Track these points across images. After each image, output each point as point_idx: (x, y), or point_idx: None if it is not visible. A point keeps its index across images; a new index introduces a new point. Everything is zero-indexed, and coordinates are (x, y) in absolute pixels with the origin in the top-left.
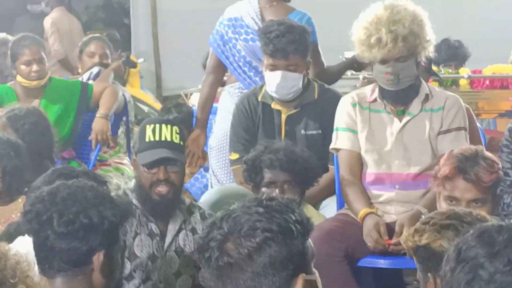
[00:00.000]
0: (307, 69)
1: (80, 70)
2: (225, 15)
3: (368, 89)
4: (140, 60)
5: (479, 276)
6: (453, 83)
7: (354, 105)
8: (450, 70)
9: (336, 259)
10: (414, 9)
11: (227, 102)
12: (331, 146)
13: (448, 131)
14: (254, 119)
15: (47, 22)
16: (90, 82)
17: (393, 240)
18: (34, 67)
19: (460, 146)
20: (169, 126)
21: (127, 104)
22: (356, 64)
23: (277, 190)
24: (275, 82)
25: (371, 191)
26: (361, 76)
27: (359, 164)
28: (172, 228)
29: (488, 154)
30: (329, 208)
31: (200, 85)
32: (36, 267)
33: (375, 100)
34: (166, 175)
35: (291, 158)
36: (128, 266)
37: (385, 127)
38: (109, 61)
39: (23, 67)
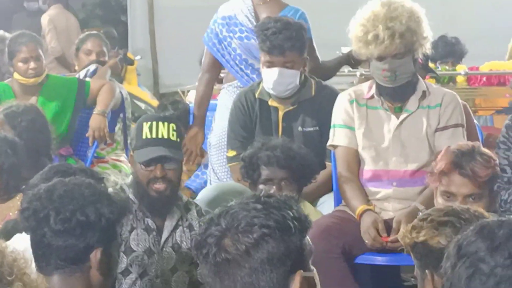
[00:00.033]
0: (304, 66)
1: (76, 68)
2: (219, 14)
3: (365, 86)
4: (137, 57)
5: (480, 270)
6: (450, 80)
7: (351, 102)
8: (447, 67)
9: (333, 255)
10: (411, 6)
11: (226, 100)
12: (329, 143)
13: (445, 128)
14: (251, 116)
15: (44, 19)
16: (87, 79)
17: (391, 237)
18: (31, 65)
19: (457, 143)
20: (166, 123)
21: (124, 101)
22: (352, 60)
23: (274, 187)
24: (272, 79)
25: (368, 188)
26: (358, 73)
27: (356, 161)
28: (169, 224)
29: (485, 150)
30: (327, 205)
31: (198, 80)
32: (33, 265)
33: (372, 97)
34: (163, 172)
35: (288, 155)
36: (124, 261)
37: (382, 124)
38: (106, 58)
39: (20, 64)
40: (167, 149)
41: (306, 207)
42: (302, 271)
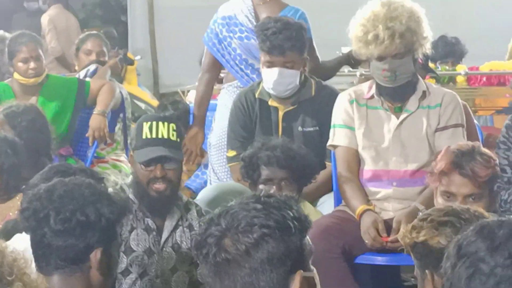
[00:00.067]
0: (304, 66)
1: (76, 68)
2: (218, 14)
3: (365, 86)
4: (137, 57)
5: (480, 270)
6: (450, 80)
7: (351, 102)
8: (447, 67)
9: (333, 255)
10: (411, 6)
11: (226, 100)
12: (329, 143)
13: (445, 128)
14: (251, 116)
15: (45, 19)
16: (87, 79)
17: (391, 237)
18: (31, 65)
19: (457, 143)
20: (166, 123)
21: (124, 101)
22: (352, 60)
23: (274, 187)
24: (272, 79)
25: (368, 188)
26: (358, 73)
27: (356, 161)
28: (169, 224)
29: (485, 150)
30: (327, 205)
31: (198, 80)
32: (33, 265)
33: (372, 97)
34: (163, 172)
35: (288, 155)
36: (124, 260)
37: (382, 124)
38: (106, 58)
39: (20, 64)
40: (167, 149)
41: (306, 207)
42: (302, 271)
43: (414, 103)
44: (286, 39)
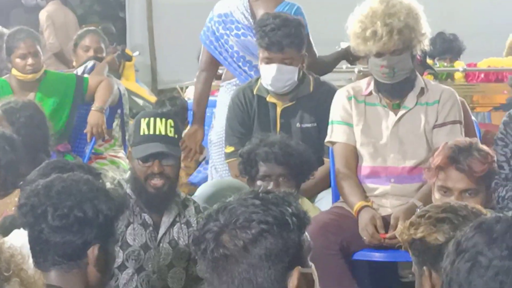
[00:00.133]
0: (303, 62)
1: (74, 63)
2: (215, 11)
3: (363, 82)
4: (136, 53)
5: (478, 263)
6: (448, 76)
7: (349, 99)
8: (445, 64)
9: (331, 252)
10: (409, 3)
11: (226, 98)
12: (327, 139)
13: (443, 124)
14: (249, 113)
15: (43, 15)
16: (85, 76)
17: (388, 234)
18: (29, 61)
19: (455, 139)
20: (163, 119)
21: (121, 97)
22: (351, 57)
23: (272, 184)
24: (270, 75)
25: (366, 184)
26: (356, 69)
27: (354, 157)
28: (166, 220)
29: (483, 146)
30: (325, 201)
31: (195, 78)
32: (31, 260)
33: (370, 93)
34: (161, 168)
35: (286, 152)
36: (120, 255)
37: (381, 120)
38: (104, 55)
39: (18, 60)
40: (165, 145)
41: (304, 204)
42: (300, 267)
43: (412, 100)
44: (284, 35)
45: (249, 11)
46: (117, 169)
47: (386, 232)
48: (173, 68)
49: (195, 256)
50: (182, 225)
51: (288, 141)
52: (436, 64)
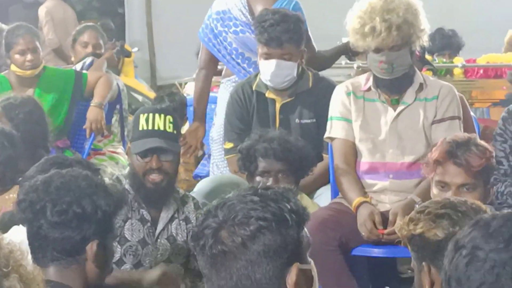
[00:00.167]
0: (302, 58)
1: (73, 59)
2: (213, 9)
3: (362, 78)
4: (135, 49)
5: (476, 257)
6: (447, 72)
7: (348, 94)
8: (444, 59)
9: (330, 248)
10: None
11: (226, 95)
12: (326, 135)
13: (442, 120)
14: (248, 108)
15: (42, 11)
16: (84, 72)
17: (387, 230)
18: (28, 57)
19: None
20: (162, 115)
21: (120, 93)
22: (350, 52)
23: (271, 179)
24: (269, 71)
25: (365, 180)
26: (355, 65)
27: (353, 153)
28: (164, 216)
29: (481, 141)
30: (324, 197)
31: (195, 74)
32: (30, 256)
33: (369, 89)
34: (159, 164)
35: (286, 147)
36: (118, 250)
37: (379, 116)
38: (102, 51)
39: (17, 56)
40: (163, 140)
41: (303, 200)
42: (298, 263)
43: (411, 96)
44: (284, 31)
45: (247, 7)
46: (116, 165)
47: (385, 228)
48: (172, 64)
49: (194, 252)
50: (181, 221)
51: (287, 137)
52: (435, 60)
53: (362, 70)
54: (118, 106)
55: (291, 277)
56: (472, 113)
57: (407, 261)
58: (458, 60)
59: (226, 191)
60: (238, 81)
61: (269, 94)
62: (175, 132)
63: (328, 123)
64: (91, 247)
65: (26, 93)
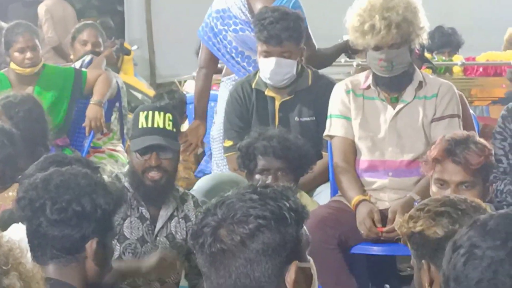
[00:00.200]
0: (301, 56)
1: (72, 57)
2: (213, 7)
3: (362, 76)
4: (134, 47)
5: (473, 255)
6: (447, 70)
7: (348, 92)
8: (444, 57)
9: (329, 246)
10: None
11: (226, 94)
12: (325, 133)
13: (441, 118)
14: (247, 106)
15: (41, 9)
16: (83, 70)
17: (386, 228)
18: (28, 55)
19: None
20: (162, 113)
21: (120, 91)
22: (350, 50)
23: (270, 177)
24: (269, 69)
25: (364, 178)
26: (355, 63)
27: (352, 151)
28: (163, 214)
29: (480, 139)
30: (323, 195)
31: (194, 72)
32: (29, 254)
33: (368, 87)
34: (158, 161)
35: (285, 145)
36: (117, 248)
37: (379, 114)
38: (102, 49)
39: (16, 54)
40: (163, 138)
41: (303, 198)
42: (297, 261)
43: (410, 94)
44: (283, 29)
45: (246, 6)
46: (116, 162)
47: (384, 226)
48: (172, 62)
49: (193, 250)
50: (180, 219)
51: (286, 135)
52: (435, 58)
53: (361, 68)
54: (117, 104)
55: (290, 275)
56: (471, 111)
57: (406, 259)
58: (458, 58)
59: (225, 189)
60: (238, 79)
61: (268, 92)
62: (174, 130)
63: (328, 121)
64: (91, 245)
65: (25, 91)
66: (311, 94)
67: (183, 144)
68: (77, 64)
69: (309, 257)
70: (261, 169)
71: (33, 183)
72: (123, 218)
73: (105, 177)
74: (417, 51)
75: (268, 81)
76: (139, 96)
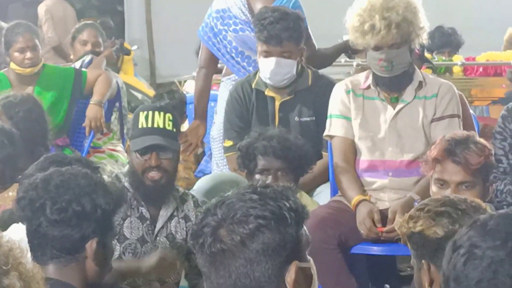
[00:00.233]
0: (301, 56)
1: (72, 57)
2: (213, 7)
3: (362, 76)
4: (134, 47)
5: (473, 255)
6: (447, 70)
7: (348, 92)
8: (444, 57)
9: (329, 246)
10: None
11: (227, 94)
12: (325, 133)
13: (441, 118)
14: (247, 106)
15: (41, 9)
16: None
17: (386, 228)
18: (28, 55)
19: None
20: (162, 113)
21: (120, 91)
22: (350, 50)
23: (270, 177)
24: (269, 69)
25: (364, 178)
26: (355, 63)
27: (352, 151)
28: (163, 214)
29: (480, 139)
30: (323, 195)
31: (194, 72)
32: (29, 254)
33: (368, 87)
34: (158, 161)
35: (285, 145)
36: (117, 248)
37: (379, 114)
38: (101, 49)
39: (16, 54)
40: (163, 138)
41: (303, 198)
42: (297, 261)
43: (410, 94)
44: (283, 29)
45: (246, 6)
46: (116, 162)
47: (384, 226)
48: (172, 62)
49: (193, 250)
50: (180, 219)
51: (286, 135)
52: (435, 58)
53: (361, 68)
54: (117, 104)
55: (290, 275)
56: (471, 111)
57: (406, 259)
58: (458, 58)
59: (225, 189)
60: (238, 79)
61: (268, 92)
62: (174, 130)
63: (328, 121)
64: (91, 245)
65: (25, 91)
66: (311, 94)
67: (183, 144)
68: (77, 64)
69: (309, 257)
70: (261, 169)
71: (33, 183)
72: (123, 218)
73: (105, 177)
74: (417, 51)
75: (268, 81)
76: (139, 96)
